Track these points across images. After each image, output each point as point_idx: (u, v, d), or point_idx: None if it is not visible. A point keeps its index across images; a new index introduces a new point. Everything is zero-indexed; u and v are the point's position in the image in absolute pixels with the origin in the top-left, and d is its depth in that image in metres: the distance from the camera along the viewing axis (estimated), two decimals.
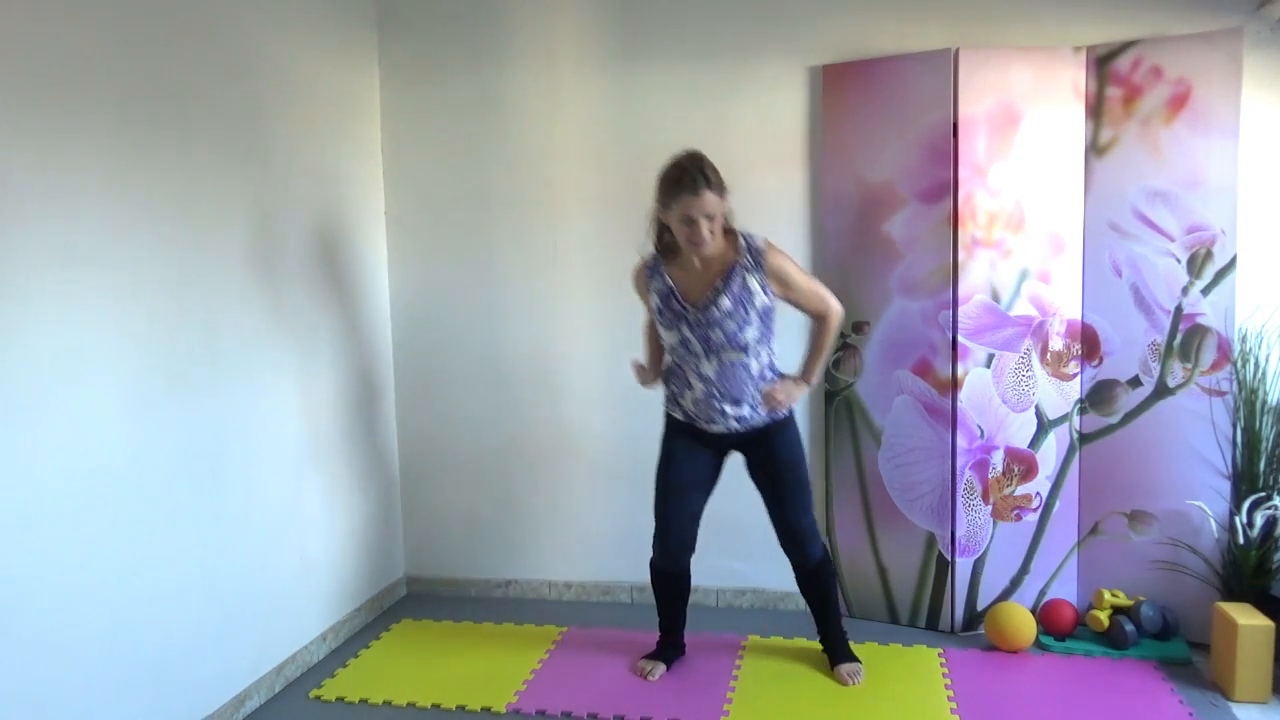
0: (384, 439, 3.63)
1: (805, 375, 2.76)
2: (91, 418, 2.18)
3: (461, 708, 2.74)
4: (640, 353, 2.99)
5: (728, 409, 2.66)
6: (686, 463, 2.81)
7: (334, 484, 3.24)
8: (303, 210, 3.06)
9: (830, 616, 2.90)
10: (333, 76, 3.27)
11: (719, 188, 2.50)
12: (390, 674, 2.98)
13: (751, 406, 2.66)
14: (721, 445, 2.80)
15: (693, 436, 2.79)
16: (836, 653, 2.90)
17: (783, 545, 2.85)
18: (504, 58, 3.49)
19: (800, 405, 3.38)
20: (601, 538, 3.59)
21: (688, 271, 2.63)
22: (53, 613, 2.07)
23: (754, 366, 2.64)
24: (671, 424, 2.84)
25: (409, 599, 3.70)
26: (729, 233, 2.61)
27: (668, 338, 2.68)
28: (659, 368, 2.87)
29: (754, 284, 2.58)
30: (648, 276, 2.71)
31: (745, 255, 2.59)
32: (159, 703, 2.39)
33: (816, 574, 2.85)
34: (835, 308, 2.70)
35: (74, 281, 2.13)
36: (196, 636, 2.53)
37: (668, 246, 2.66)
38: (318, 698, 2.83)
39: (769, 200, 3.32)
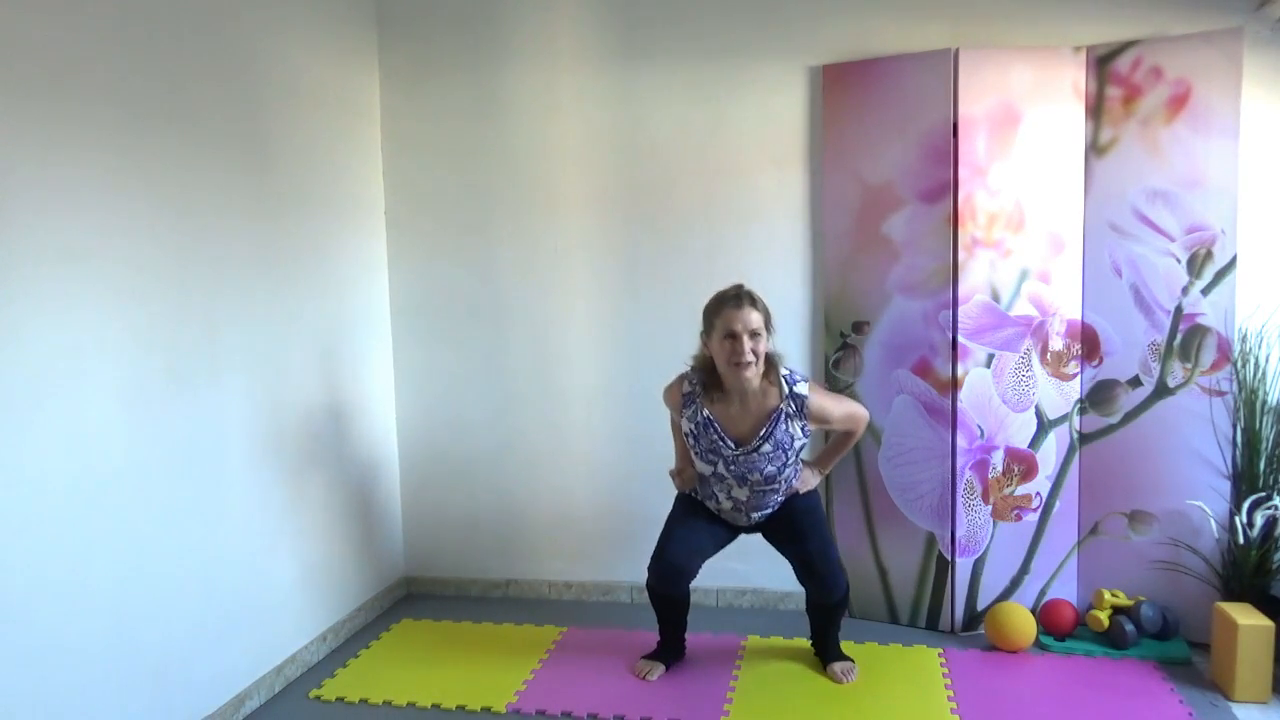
0: (384, 439, 3.63)
1: (821, 465, 2.91)
2: (91, 416, 2.18)
3: (461, 708, 2.74)
4: (672, 455, 3.01)
5: (754, 516, 2.82)
6: (704, 516, 2.87)
7: (334, 484, 3.24)
8: (303, 210, 3.06)
9: (831, 635, 2.90)
10: (333, 77, 3.27)
11: (763, 312, 2.58)
12: (390, 674, 2.98)
13: (776, 506, 2.81)
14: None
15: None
16: (829, 654, 2.92)
17: (802, 581, 2.83)
18: (504, 58, 3.49)
19: None
20: (601, 538, 3.59)
21: (729, 410, 2.66)
22: (53, 613, 2.07)
23: (783, 488, 2.76)
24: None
25: (409, 599, 3.70)
26: (771, 371, 2.63)
27: (700, 466, 2.75)
28: (692, 466, 2.84)
29: (795, 428, 2.65)
30: (683, 401, 2.72)
31: (789, 403, 2.63)
32: (159, 703, 2.38)
33: (832, 609, 2.84)
34: (863, 418, 2.80)
35: (74, 279, 2.13)
36: (196, 636, 2.52)
37: (708, 385, 2.67)
38: (317, 698, 2.83)
39: (769, 200, 3.33)
